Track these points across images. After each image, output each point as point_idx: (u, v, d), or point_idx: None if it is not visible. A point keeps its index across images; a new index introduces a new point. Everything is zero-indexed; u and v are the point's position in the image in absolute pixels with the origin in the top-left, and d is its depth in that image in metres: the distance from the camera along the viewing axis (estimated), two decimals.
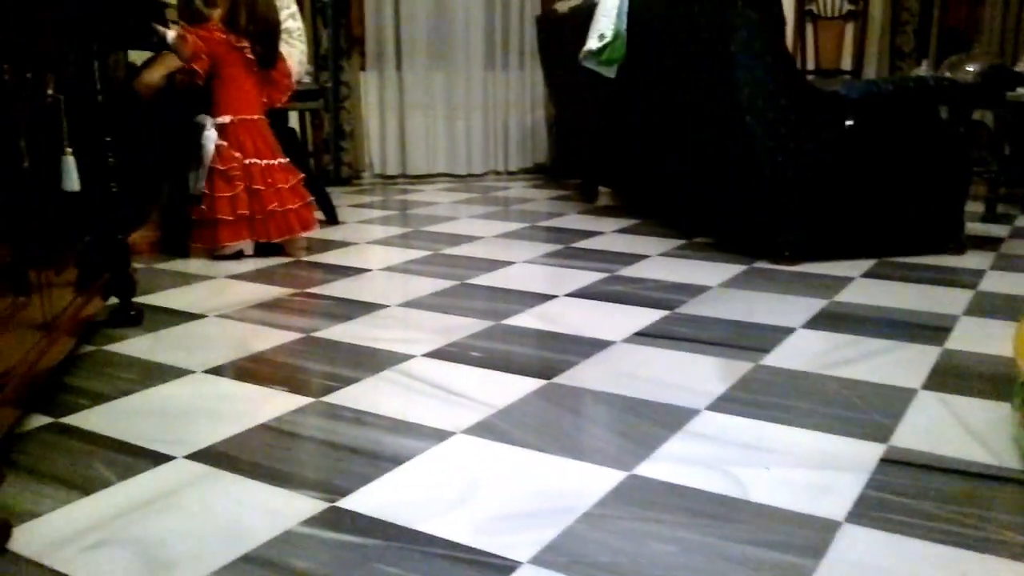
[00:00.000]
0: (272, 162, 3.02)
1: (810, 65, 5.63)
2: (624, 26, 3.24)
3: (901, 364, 1.95)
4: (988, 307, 2.38)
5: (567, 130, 4.69)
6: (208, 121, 2.97)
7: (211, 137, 2.95)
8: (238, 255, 2.97)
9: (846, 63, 5.66)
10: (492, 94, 5.09)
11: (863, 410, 1.69)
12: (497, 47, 5.05)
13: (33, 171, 1.64)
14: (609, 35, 3.26)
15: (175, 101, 3.19)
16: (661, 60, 3.15)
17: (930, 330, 2.18)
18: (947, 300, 2.45)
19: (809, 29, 5.65)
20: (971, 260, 2.90)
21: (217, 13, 3.01)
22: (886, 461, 1.48)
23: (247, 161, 2.97)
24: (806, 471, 1.45)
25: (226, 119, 2.98)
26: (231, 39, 2.99)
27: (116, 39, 3.31)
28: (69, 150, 1.81)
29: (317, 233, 3.32)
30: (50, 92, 1.76)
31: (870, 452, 1.51)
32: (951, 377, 1.87)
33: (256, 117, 3.05)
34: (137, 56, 3.67)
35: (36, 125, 1.69)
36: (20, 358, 1.51)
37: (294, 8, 3.54)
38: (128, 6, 3.30)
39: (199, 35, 2.95)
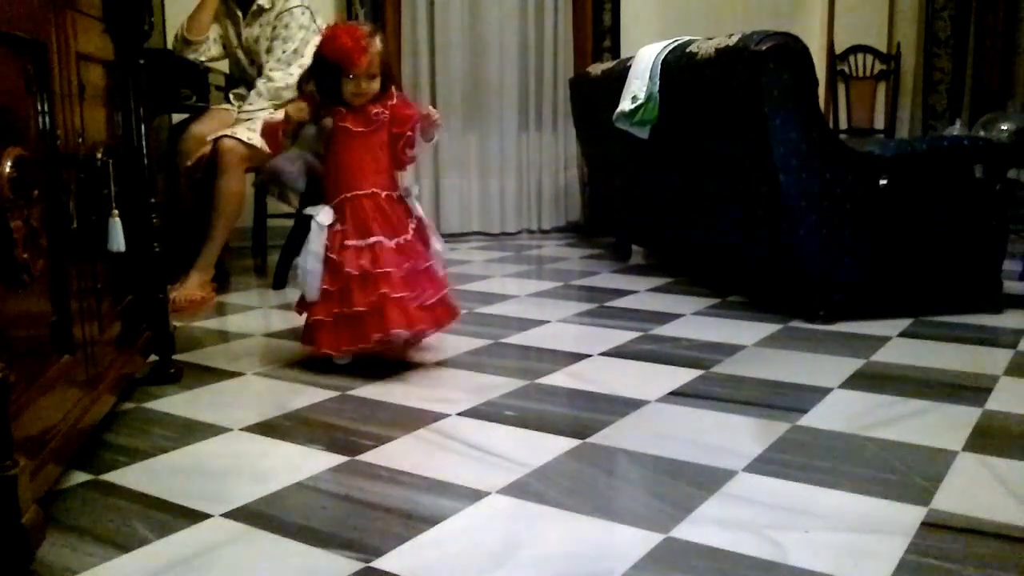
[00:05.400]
0: None
1: (843, 124, 5.66)
2: (657, 88, 3.28)
3: (941, 425, 1.92)
4: None
5: (600, 189, 4.73)
6: (416, 188, 2.58)
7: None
8: None
9: (879, 122, 5.69)
10: (526, 154, 5.15)
11: (903, 472, 1.67)
12: (531, 108, 5.13)
13: (81, 232, 1.69)
14: (642, 97, 3.30)
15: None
16: (694, 121, 3.19)
17: (970, 390, 2.15)
18: (986, 360, 2.41)
19: (841, 89, 5.69)
20: (1009, 319, 2.87)
21: (376, 85, 2.42)
22: (927, 525, 1.45)
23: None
24: (846, 534, 1.43)
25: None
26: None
27: (162, 104, 3.42)
28: (116, 212, 1.86)
29: None
30: (99, 156, 1.82)
31: (911, 515, 1.49)
32: (992, 439, 1.84)
33: None
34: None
35: (86, 188, 1.74)
36: (63, 415, 1.53)
37: None
38: (174, 74, 3.41)
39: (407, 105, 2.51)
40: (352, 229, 2.35)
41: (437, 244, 2.50)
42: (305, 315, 2.41)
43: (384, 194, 2.42)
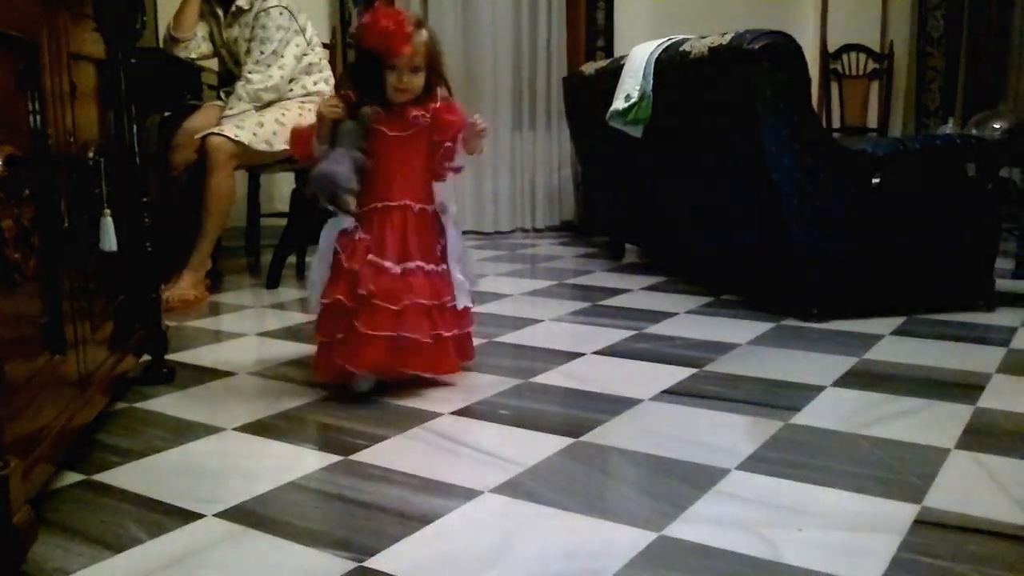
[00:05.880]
0: None
1: (836, 123, 5.67)
2: (650, 87, 3.28)
3: (933, 423, 1.92)
4: (1021, 365, 2.35)
5: (593, 188, 4.73)
6: (453, 207, 2.32)
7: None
8: None
9: (872, 121, 5.70)
10: (519, 153, 5.15)
11: (896, 470, 1.67)
12: (524, 107, 5.13)
13: (73, 231, 1.68)
14: (635, 96, 3.30)
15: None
16: (687, 120, 3.19)
17: (962, 388, 2.16)
18: (979, 358, 2.42)
19: (834, 87, 5.70)
20: (1002, 317, 2.87)
21: (420, 81, 2.18)
22: (920, 522, 1.46)
23: None
24: (839, 532, 1.43)
25: None
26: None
27: (154, 104, 3.41)
28: (108, 211, 1.85)
29: None
30: (91, 155, 1.81)
31: (903, 513, 1.49)
32: (985, 436, 1.85)
33: None
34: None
35: (77, 188, 1.73)
36: (55, 416, 1.53)
37: (327, 73, 3.61)
38: (167, 74, 3.41)
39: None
40: (386, 246, 2.12)
41: (459, 274, 2.22)
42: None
43: (417, 207, 2.17)
